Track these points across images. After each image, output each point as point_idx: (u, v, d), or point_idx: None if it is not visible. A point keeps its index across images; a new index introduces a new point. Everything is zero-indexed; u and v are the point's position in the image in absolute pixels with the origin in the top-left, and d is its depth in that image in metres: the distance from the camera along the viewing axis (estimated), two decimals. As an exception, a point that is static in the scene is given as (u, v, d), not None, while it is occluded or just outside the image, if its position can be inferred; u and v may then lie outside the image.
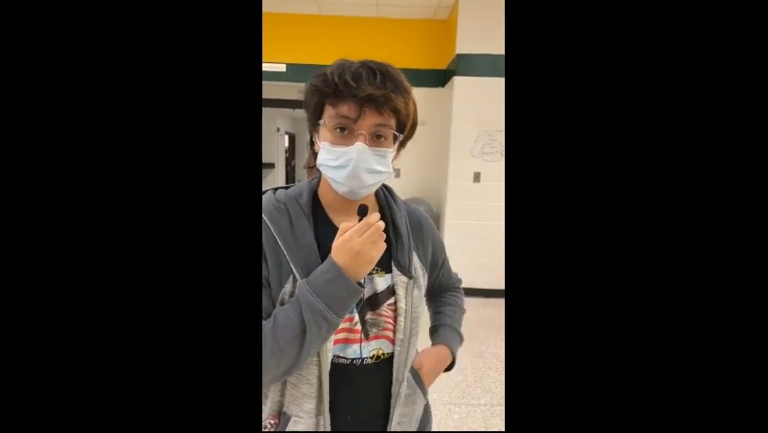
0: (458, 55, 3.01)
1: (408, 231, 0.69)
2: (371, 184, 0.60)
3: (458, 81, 3.04)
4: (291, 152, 8.07)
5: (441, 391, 1.99)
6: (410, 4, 3.19)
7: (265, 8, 3.37)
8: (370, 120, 0.57)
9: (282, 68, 3.52)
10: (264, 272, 0.60)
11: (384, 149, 0.59)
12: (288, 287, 0.59)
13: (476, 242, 3.14)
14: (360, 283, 0.56)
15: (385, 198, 0.71)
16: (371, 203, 0.69)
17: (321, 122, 0.59)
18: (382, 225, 0.56)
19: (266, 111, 5.78)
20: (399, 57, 3.48)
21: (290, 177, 7.06)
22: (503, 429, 1.44)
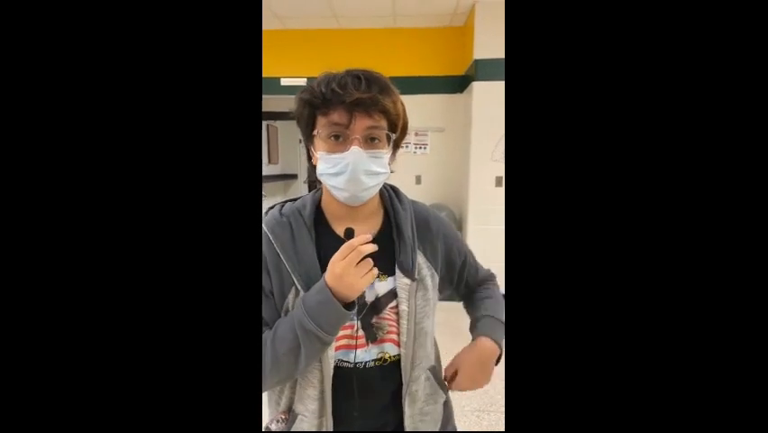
0: (476, 60, 3.01)
1: (413, 232, 0.68)
2: (371, 186, 0.61)
3: (477, 86, 3.03)
4: (313, 163, 8.17)
5: (470, 398, 1.96)
6: (426, 13, 3.22)
7: (285, 26, 3.47)
8: (361, 123, 0.58)
9: (304, 81, 3.60)
10: (267, 284, 0.62)
11: (379, 150, 0.60)
12: (290, 297, 0.61)
13: (500, 246, 3.09)
14: (349, 306, 0.56)
15: (390, 199, 0.70)
16: (376, 206, 0.69)
17: (315, 132, 0.61)
18: (369, 248, 0.54)
19: (289, 123, 5.91)
20: (417, 65, 3.51)
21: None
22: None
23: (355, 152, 0.58)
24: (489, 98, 2.99)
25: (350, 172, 0.58)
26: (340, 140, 0.59)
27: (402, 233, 0.67)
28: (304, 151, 0.70)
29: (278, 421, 0.65)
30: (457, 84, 3.47)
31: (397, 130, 0.62)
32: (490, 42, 2.96)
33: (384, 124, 0.60)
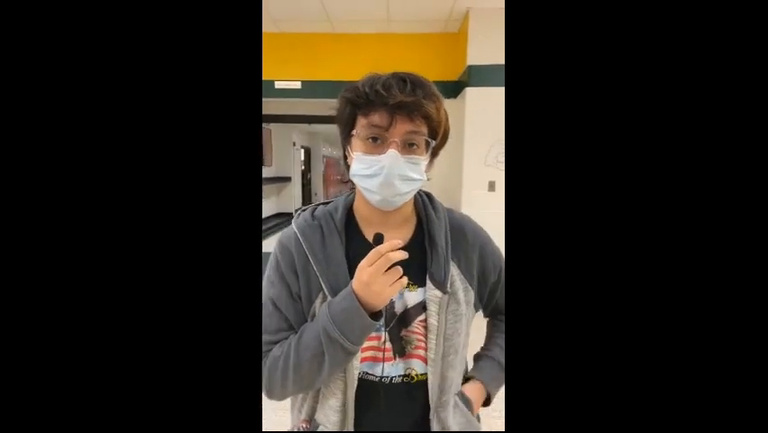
0: (469, 66, 3.03)
1: (447, 242, 0.65)
2: (405, 192, 0.59)
3: (470, 92, 3.05)
4: (307, 166, 8.16)
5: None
6: (421, 18, 3.24)
7: (280, 29, 3.47)
8: (401, 127, 0.56)
9: (298, 85, 3.60)
10: (295, 287, 0.60)
11: (417, 156, 0.58)
12: (317, 302, 0.59)
13: (492, 251, 3.09)
14: (375, 315, 0.54)
15: (423, 206, 0.68)
16: (409, 212, 0.67)
17: (354, 132, 0.59)
18: (399, 255, 0.52)
19: (282, 126, 5.90)
20: (411, 70, 3.51)
21: (306, 189, 7.14)
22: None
23: (392, 155, 0.56)
24: (483, 104, 3.02)
25: (384, 176, 0.57)
26: (378, 142, 0.58)
27: (435, 241, 0.64)
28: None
29: (298, 429, 0.64)
30: (450, 89, 3.49)
31: (437, 137, 0.60)
32: (484, 49, 2.99)
33: (424, 129, 0.58)
